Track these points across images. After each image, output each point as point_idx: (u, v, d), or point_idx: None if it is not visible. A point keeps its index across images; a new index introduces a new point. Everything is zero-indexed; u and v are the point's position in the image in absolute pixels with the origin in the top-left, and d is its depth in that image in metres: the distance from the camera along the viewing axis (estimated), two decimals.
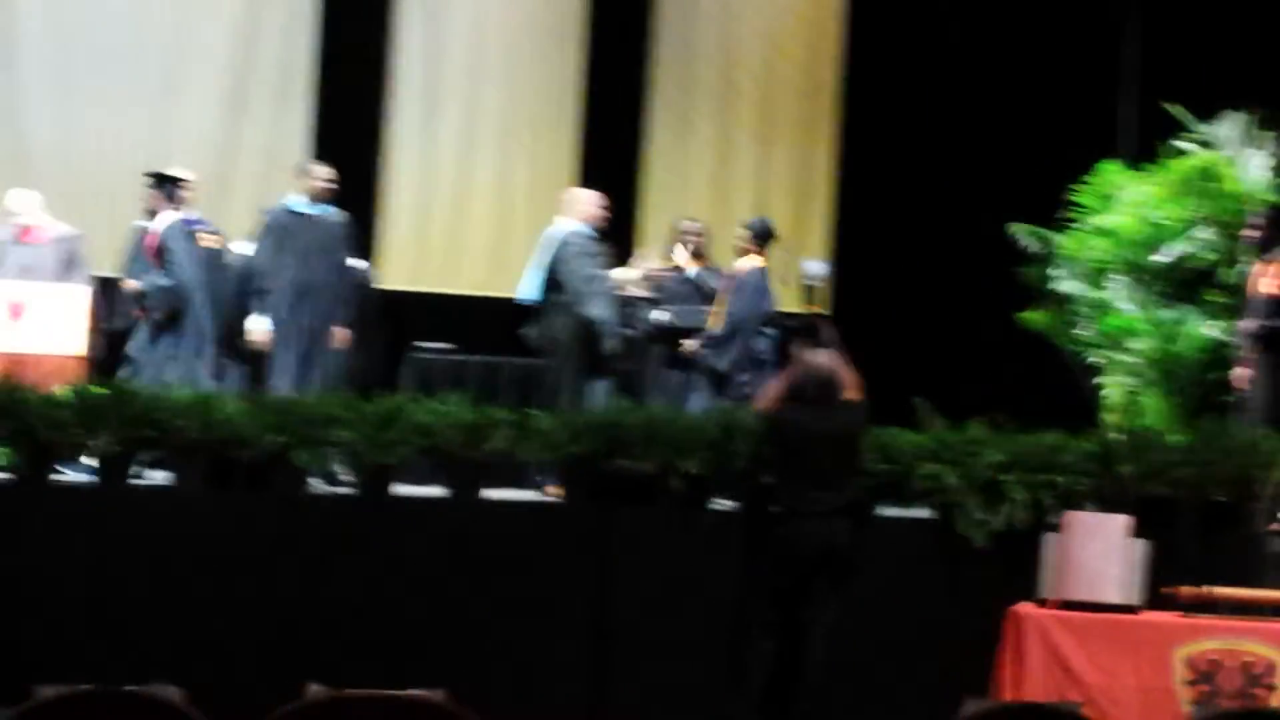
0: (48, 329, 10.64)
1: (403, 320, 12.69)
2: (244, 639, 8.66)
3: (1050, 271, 11.46)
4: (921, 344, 13.27)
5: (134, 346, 10.78)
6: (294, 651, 8.57)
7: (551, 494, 9.81)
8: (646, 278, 11.56)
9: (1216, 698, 8.64)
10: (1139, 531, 8.94)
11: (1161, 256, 11.09)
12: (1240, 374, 10.40)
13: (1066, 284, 11.33)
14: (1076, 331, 11.31)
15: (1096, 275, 11.23)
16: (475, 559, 9.03)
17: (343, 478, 9.43)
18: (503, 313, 12.17)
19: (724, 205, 14.33)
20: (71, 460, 9.09)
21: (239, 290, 10.95)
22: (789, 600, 8.71)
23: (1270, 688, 8.69)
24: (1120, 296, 11.07)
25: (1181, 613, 8.86)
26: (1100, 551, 8.85)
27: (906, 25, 14.21)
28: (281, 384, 10.44)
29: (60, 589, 8.57)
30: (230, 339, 10.95)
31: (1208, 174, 11.16)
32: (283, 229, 10.83)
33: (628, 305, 11.25)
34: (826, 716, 8.75)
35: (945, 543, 9.27)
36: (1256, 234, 10.80)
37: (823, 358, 8.91)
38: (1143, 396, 10.92)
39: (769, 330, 11.07)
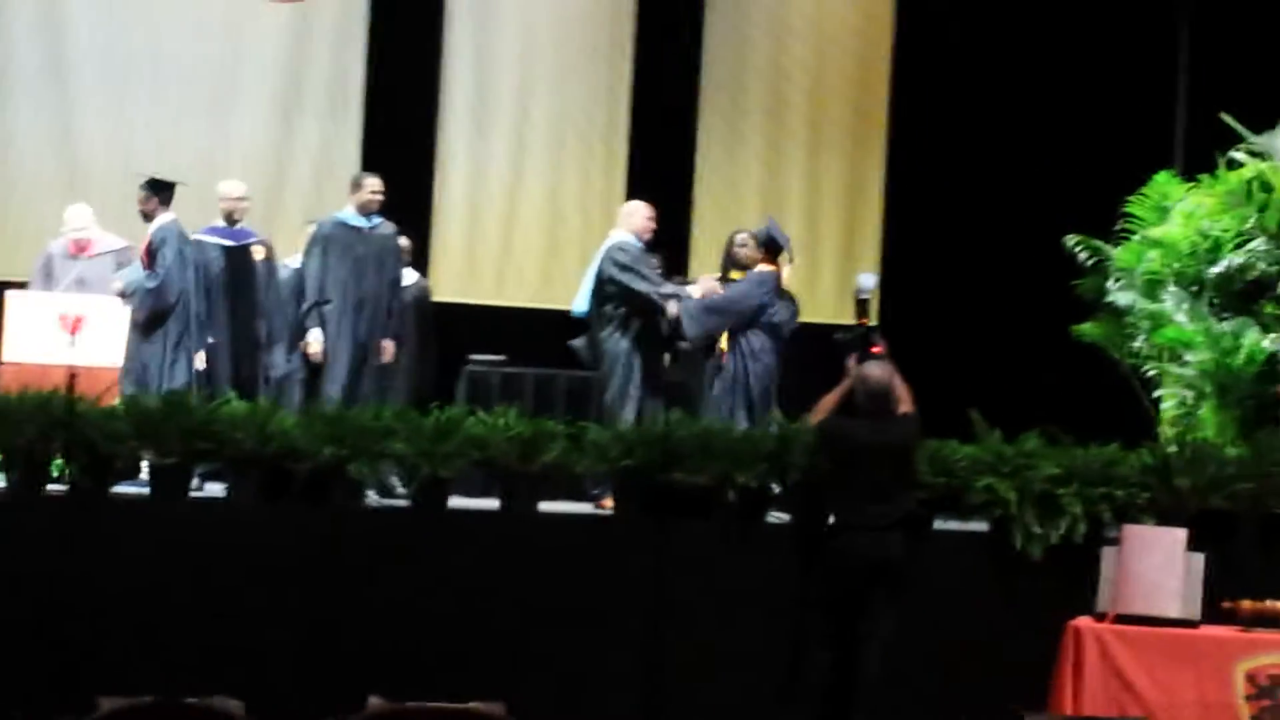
0: (105, 342, 10.72)
1: (455, 333, 12.70)
2: (301, 651, 8.67)
3: (1105, 284, 11.39)
4: (975, 356, 13.22)
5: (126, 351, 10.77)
6: (351, 664, 8.59)
7: (605, 507, 9.82)
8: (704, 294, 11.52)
9: (1278, 713, 8.57)
10: (1197, 545, 8.89)
11: (1217, 268, 11.01)
12: None
13: (1121, 296, 11.26)
14: (1132, 344, 11.24)
15: (1152, 287, 11.15)
16: (529, 572, 9.03)
17: (398, 490, 9.45)
18: (555, 325, 12.19)
19: (775, 215, 14.25)
20: (130, 476, 9.12)
21: (293, 302, 10.98)
22: (844, 613, 8.68)
23: None
24: (1176, 309, 10.99)
25: (1241, 627, 8.81)
26: (1159, 565, 8.80)
27: (957, 36, 14.16)
28: (333, 396, 10.44)
29: (121, 600, 8.60)
30: (289, 350, 10.99)
31: (1263, 185, 11.08)
32: (334, 241, 10.85)
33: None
34: None
35: (1001, 556, 9.23)
36: None
37: (877, 369, 8.87)
38: (1199, 409, 10.84)
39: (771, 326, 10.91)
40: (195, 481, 9.43)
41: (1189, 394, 10.95)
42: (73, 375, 8.89)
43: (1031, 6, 14.00)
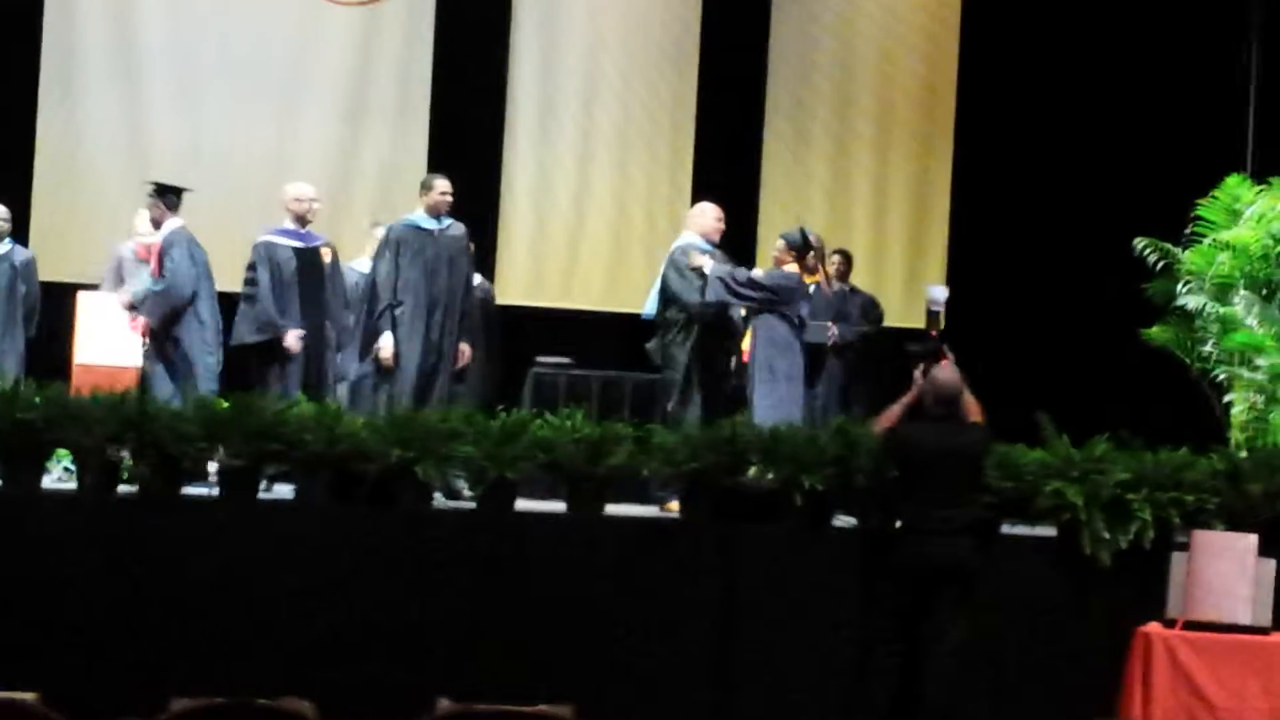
0: None
1: (521, 336, 12.73)
2: (369, 653, 8.69)
3: (1175, 287, 11.31)
4: (1043, 359, 13.17)
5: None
6: (419, 665, 8.62)
7: (671, 510, 9.82)
8: None
9: None
10: (1267, 550, 8.82)
11: None
12: None
13: (1191, 300, 11.18)
14: (1202, 348, 11.16)
15: (1222, 291, 11.07)
16: (595, 574, 9.03)
17: (464, 492, 9.48)
18: (620, 327, 12.22)
19: (841, 218, 14.30)
20: (200, 477, 9.19)
21: (363, 305, 11.04)
22: (911, 617, 8.65)
23: None
24: (1247, 312, 10.91)
25: None
26: (1229, 571, 8.74)
27: (1025, 37, 14.11)
28: (405, 399, 10.48)
29: (190, 601, 8.65)
30: (362, 354, 11.05)
31: None
32: (405, 244, 10.89)
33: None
34: None
35: (1069, 562, 9.16)
36: None
37: (946, 373, 8.84)
38: (1270, 414, 10.76)
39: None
40: (263, 483, 9.48)
41: (1259, 398, 10.86)
42: (143, 377, 8.94)
43: (1100, 8, 13.93)
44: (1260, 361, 10.84)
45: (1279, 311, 10.93)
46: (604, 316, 13.65)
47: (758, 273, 10.72)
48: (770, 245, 13.51)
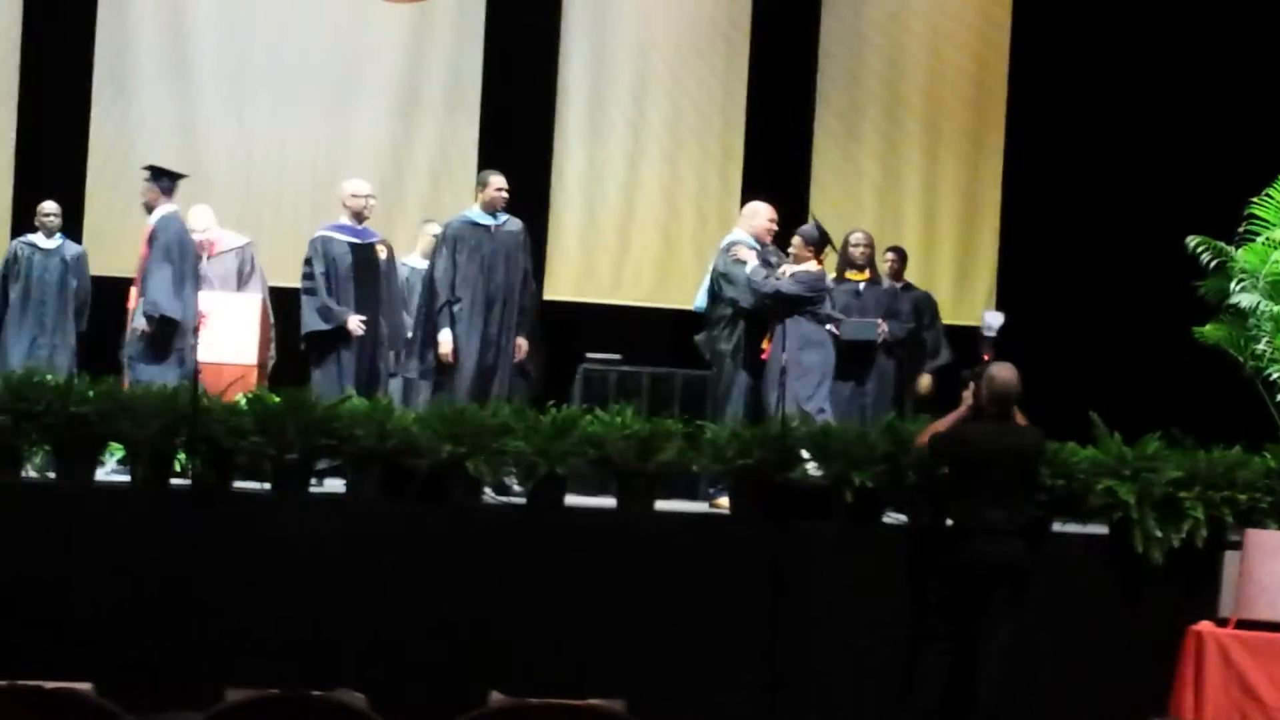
0: (226, 339, 10.84)
1: (571, 332, 12.75)
2: (421, 646, 8.73)
3: (1228, 285, 11.24)
4: (1095, 357, 13.11)
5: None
6: (470, 659, 8.65)
7: (720, 507, 9.82)
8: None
9: None
10: None
11: None
12: None
13: (1245, 298, 11.09)
14: (1255, 346, 11.08)
15: (1276, 289, 10.98)
16: (645, 570, 9.04)
17: (514, 488, 9.50)
18: (670, 323, 12.22)
19: (891, 216, 14.26)
20: (253, 473, 9.23)
21: (424, 303, 11.09)
22: (963, 616, 8.63)
23: None
24: None
25: None
26: None
27: (1076, 34, 14.05)
28: (462, 395, 10.52)
29: (242, 594, 8.69)
30: (422, 351, 11.09)
31: None
32: (462, 240, 10.93)
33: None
34: None
35: (1121, 560, 9.14)
36: None
37: (1004, 370, 8.79)
38: None
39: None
40: (314, 478, 9.52)
41: None
42: (196, 371, 8.99)
43: (1151, 5, 13.86)
44: None
45: None
46: (654, 312, 13.65)
47: (785, 283, 10.67)
48: None
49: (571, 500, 9.33)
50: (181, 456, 9.03)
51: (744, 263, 10.70)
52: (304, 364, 10.97)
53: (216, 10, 13.86)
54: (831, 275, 11.39)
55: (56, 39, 13.60)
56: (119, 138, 13.69)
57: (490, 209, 11.00)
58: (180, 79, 13.80)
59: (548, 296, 12.75)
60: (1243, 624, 8.71)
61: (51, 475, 9.09)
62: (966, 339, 11.69)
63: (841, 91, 14.44)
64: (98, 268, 12.41)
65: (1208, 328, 11.32)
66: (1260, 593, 8.69)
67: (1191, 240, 11.41)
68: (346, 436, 9.02)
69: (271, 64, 13.82)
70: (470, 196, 11.17)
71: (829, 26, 14.44)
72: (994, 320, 9.89)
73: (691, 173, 14.24)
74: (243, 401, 9.22)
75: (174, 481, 9.03)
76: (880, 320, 11.65)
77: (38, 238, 12.12)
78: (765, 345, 10.70)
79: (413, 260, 11.95)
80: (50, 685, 5.42)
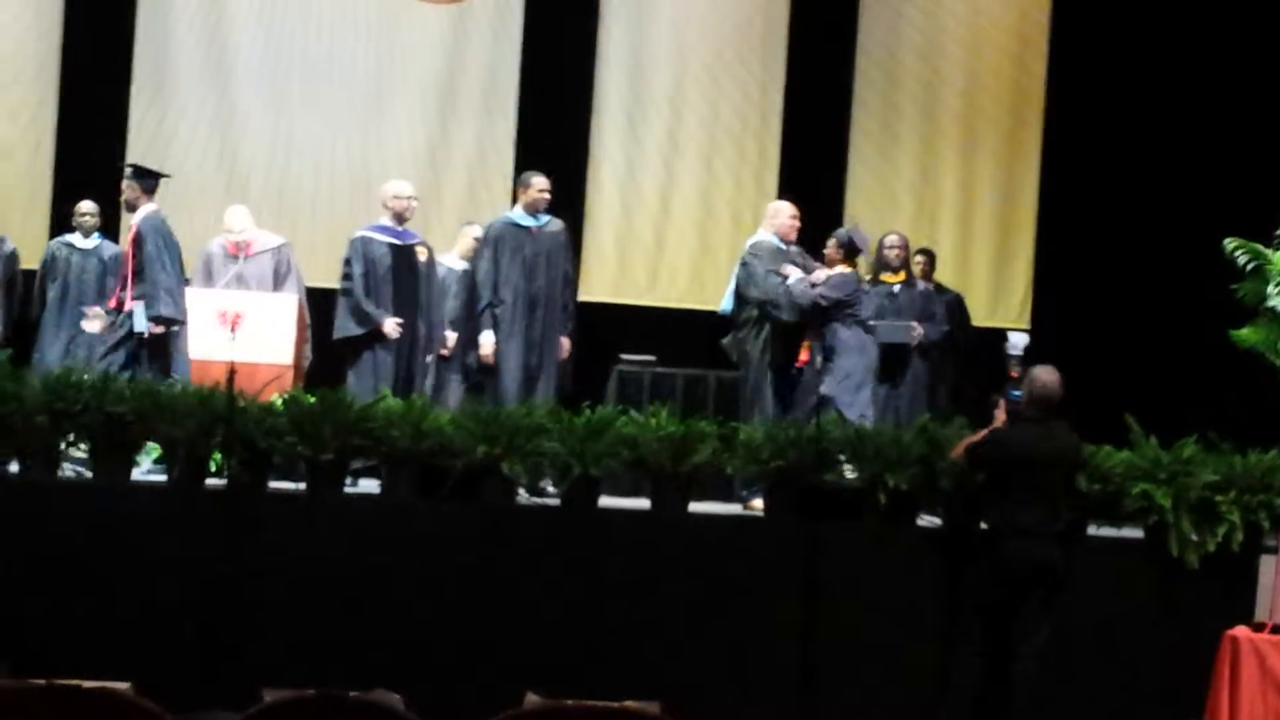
0: (263, 339, 10.87)
1: (606, 332, 12.76)
2: (457, 646, 8.76)
3: (1265, 288, 11.19)
4: (1131, 360, 13.07)
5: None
6: (506, 659, 8.66)
7: (754, 509, 9.82)
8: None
9: None
10: None
11: None
12: None
13: None
14: None
15: None
16: (680, 572, 9.05)
17: (549, 489, 9.51)
18: (705, 325, 12.21)
19: (928, 217, 14.24)
20: (289, 472, 9.26)
21: (459, 303, 11.11)
22: (999, 619, 8.61)
23: None
24: None
25: None
26: None
27: (1114, 36, 14.00)
28: (508, 396, 10.54)
29: (278, 594, 8.73)
30: (463, 353, 11.12)
31: None
32: (505, 242, 10.96)
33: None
34: None
35: (1156, 564, 9.13)
36: None
37: (1047, 373, 8.77)
38: None
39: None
40: (349, 478, 9.54)
41: None
42: (232, 371, 9.01)
43: (1189, 8, 13.81)
44: None
45: None
46: (689, 314, 13.64)
47: (822, 291, 10.67)
48: None
49: (605, 501, 9.34)
50: (217, 456, 9.08)
51: (785, 277, 10.68)
52: (340, 364, 10.98)
53: (255, 12, 13.90)
54: (867, 277, 11.38)
55: (96, 40, 13.67)
56: (157, 138, 13.73)
57: (532, 210, 11.03)
58: (218, 80, 13.84)
59: (583, 297, 12.76)
60: (1279, 629, 8.67)
61: (88, 474, 9.14)
62: (1000, 341, 11.66)
63: (878, 93, 14.42)
64: None
65: (1245, 331, 11.26)
66: None
67: (1229, 243, 11.37)
68: (381, 437, 9.05)
69: (309, 65, 13.86)
70: (506, 197, 11.21)
71: (866, 28, 14.42)
72: (1018, 341, 9.89)
73: (727, 174, 14.23)
74: (279, 402, 9.25)
75: (210, 481, 9.08)
76: (915, 323, 11.64)
77: (75, 237, 12.19)
78: (803, 353, 10.69)
79: (450, 260, 11.97)
80: (88, 684, 5.45)
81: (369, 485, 9.65)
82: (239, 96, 13.79)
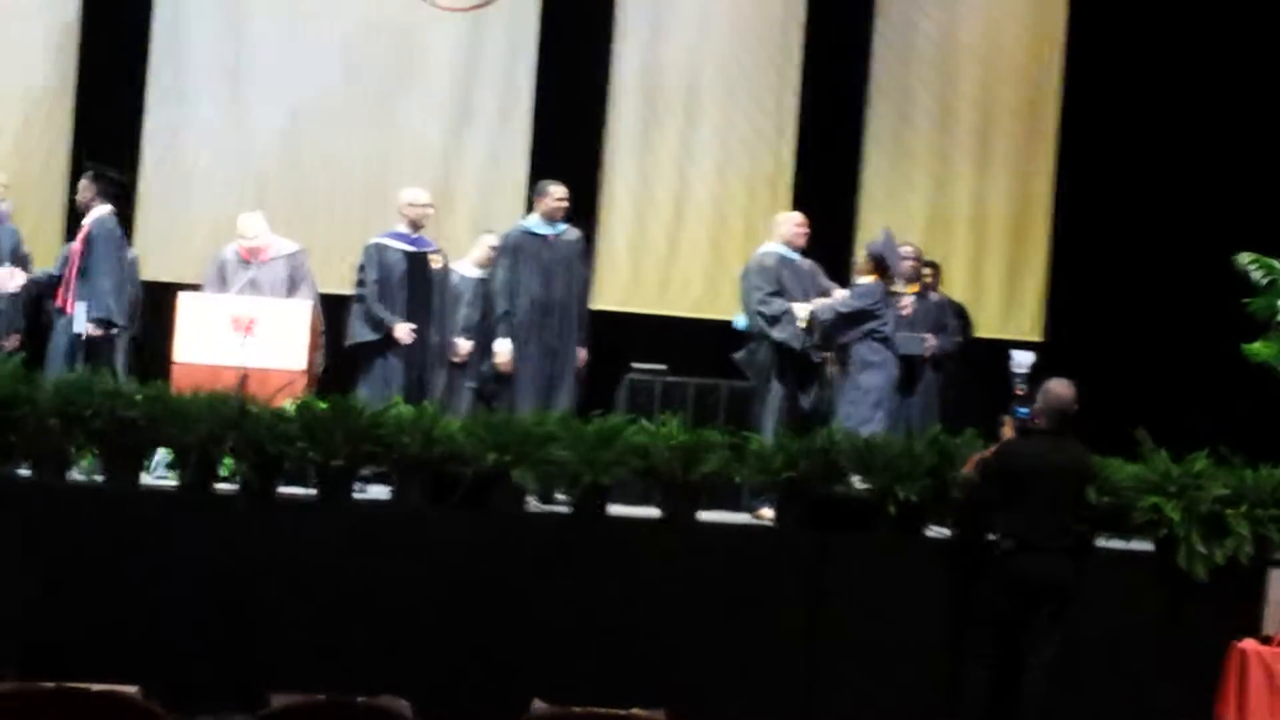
0: (275, 344, 10.87)
1: (617, 341, 12.76)
2: (465, 653, 8.76)
3: (1277, 302, 11.19)
4: (1143, 373, 13.06)
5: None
6: (514, 666, 8.67)
7: (764, 518, 9.82)
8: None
9: None
10: None
11: None
12: None
13: None
14: None
15: None
16: (688, 580, 9.05)
17: (559, 497, 9.52)
18: (717, 335, 12.21)
19: (941, 229, 14.22)
20: (299, 478, 9.28)
21: (476, 311, 11.12)
22: (1009, 632, 8.61)
23: None
24: None
25: None
26: None
27: (1129, 51, 13.99)
28: (525, 405, 10.54)
29: (287, 599, 8.75)
30: (479, 361, 11.14)
31: None
32: (522, 250, 10.97)
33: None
34: None
35: (1166, 577, 9.12)
36: None
37: (1061, 385, 8.77)
38: None
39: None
40: (359, 484, 9.55)
41: None
42: (244, 376, 9.03)
43: (1205, 22, 13.80)
44: None
45: None
46: (701, 323, 13.64)
47: (842, 302, 10.69)
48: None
49: (615, 510, 9.35)
50: (228, 461, 9.10)
51: (785, 314, 10.73)
52: (353, 371, 11.01)
53: (270, 17, 13.92)
54: (902, 290, 11.38)
55: (111, 46, 13.68)
56: (172, 144, 13.75)
57: (550, 219, 11.05)
58: (233, 86, 13.85)
59: (594, 305, 12.75)
60: None
61: (99, 478, 9.16)
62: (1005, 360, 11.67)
63: (892, 104, 14.41)
64: (149, 272, 12.49)
65: (1257, 345, 11.27)
66: None
67: (1242, 257, 11.38)
68: (392, 443, 9.07)
69: (324, 72, 13.86)
70: (520, 205, 11.22)
71: (881, 39, 14.41)
72: (1023, 358, 9.88)
73: (741, 185, 14.23)
74: (290, 408, 9.27)
75: (220, 486, 9.09)
76: (928, 334, 11.64)
77: None
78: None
79: (464, 268, 11.98)
80: (97, 687, 5.46)
81: (379, 492, 9.65)
82: (254, 103, 13.80)
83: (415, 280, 11.11)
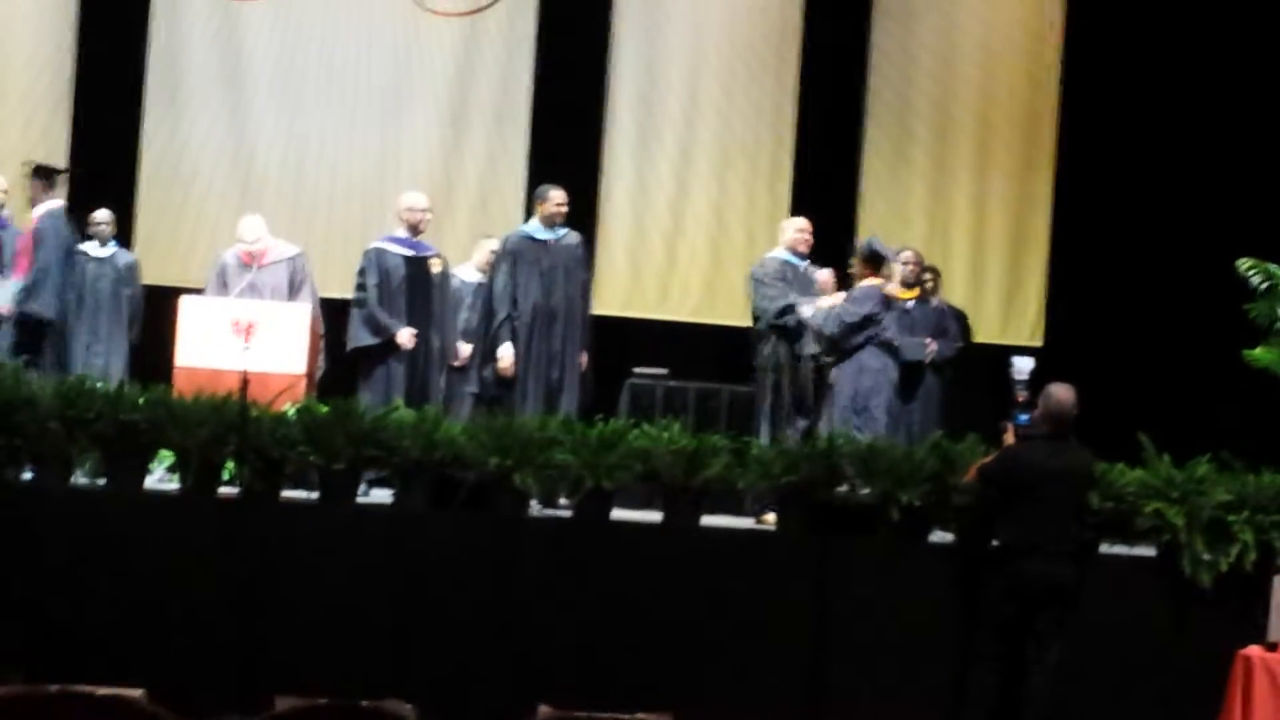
0: (276, 348, 10.85)
1: (618, 346, 12.76)
2: (468, 657, 8.75)
3: (1278, 308, 11.19)
4: (1144, 379, 13.06)
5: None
6: (518, 670, 8.66)
7: (766, 523, 9.82)
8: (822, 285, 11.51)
9: None
10: None
11: None
12: None
13: None
14: None
15: None
16: (691, 585, 9.04)
17: (561, 501, 9.51)
18: (717, 339, 12.22)
19: (940, 235, 14.23)
20: (301, 482, 9.26)
21: (476, 315, 11.11)
22: (1013, 636, 8.60)
23: None
24: None
25: None
26: None
27: (1127, 57, 14.01)
28: (527, 409, 10.52)
29: (290, 602, 8.74)
30: (481, 366, 11.12)
31: None
32: (522, 255, 10.96)
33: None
34: None
35: (1169, 583, 9.10)
36: None
37: (1063, 390, 8.76)
38: None
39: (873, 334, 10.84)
40: (362, 488, 9.54)
41: None
42: (245, 380, 9.01)
43: (1203, 27, 13.81)
44: None
45: None
46: (701, 328, 13.66)
47: (844, 310, 10.68)
48: None
49: (617, 514, 9.34)
50: (230, 465, 9.08)
51: (805, 318, 10.72)
52: (354, 374, 11.00)
53: (268, 22, 13.93)
54: (894, 286, 11.36)
55: (110, 49, 13.69)
56: (170, 147, 13.76)
57: (549, 223, 11.04)
58: (232, 90, 13.87)
59: (595, 310, 12.73)
60: None
61: (101, 482, 9.14)
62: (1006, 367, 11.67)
63: (891, 110, 14.43)
64: (149, 276, 12.49)
65: (1258, 350, 11.28)
66: None
67: (1242, 263, 11.38)
68: (394, 447, 9.06)
69: (323, 75, 13.88)
70: (519, 209, 11.22)
71: (879, 45, 14.42)
72: (1023, 365, 9.88)
73: (740, 189, 14.24)
74: (291, 411, 9.26)
75: (222, 490, 9.08)
76: (929, 340, 11.64)
77: (91, 246, 12.20)
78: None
79: (464, 272, 11.98)
80: (101, 691, 5.45)
81: (381, 495, 9.65)
82: (253, 106, 13.81)
83: (415, 285, 11.11)
